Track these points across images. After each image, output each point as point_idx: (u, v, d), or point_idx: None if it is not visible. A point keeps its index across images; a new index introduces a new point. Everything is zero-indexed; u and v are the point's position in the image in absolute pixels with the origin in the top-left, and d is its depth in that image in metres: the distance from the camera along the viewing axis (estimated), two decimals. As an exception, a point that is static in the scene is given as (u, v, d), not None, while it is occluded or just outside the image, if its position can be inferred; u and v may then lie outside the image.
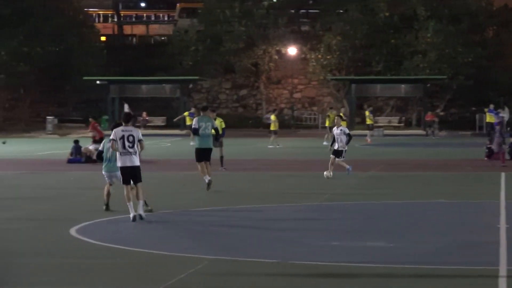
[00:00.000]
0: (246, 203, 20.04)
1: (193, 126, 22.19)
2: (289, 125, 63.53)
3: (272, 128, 46.34)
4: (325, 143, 41.56)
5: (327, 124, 44.69)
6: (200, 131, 21.36)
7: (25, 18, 68.56)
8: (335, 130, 25.97)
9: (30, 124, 69.39)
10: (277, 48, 70.39)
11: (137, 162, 15.92)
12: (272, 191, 23.25)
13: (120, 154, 15.89)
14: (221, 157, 26.96)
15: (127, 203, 16.28)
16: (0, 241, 14.55)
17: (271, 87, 73.13)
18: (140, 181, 16.74)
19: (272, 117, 47.09)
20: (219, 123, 25.82)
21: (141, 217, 16.57)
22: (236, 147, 41.28)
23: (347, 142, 25.46)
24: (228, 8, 69.39)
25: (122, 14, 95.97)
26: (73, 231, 15.53)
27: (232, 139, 42.80)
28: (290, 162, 35.38)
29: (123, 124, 15.64)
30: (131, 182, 16.32)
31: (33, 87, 70.57)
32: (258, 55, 69.62)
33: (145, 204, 16.81)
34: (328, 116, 45.79)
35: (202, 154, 21.78)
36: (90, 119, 39.17)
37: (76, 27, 72.43)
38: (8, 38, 67.49)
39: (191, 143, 33.75)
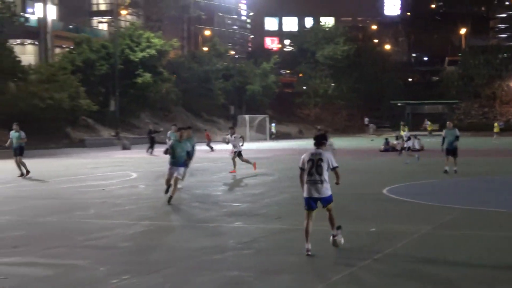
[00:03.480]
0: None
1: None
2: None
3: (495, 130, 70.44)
4: None
5: None
6: None
7: (357, 67, 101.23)
8: None
9: (357, 131, 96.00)
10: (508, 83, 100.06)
11: None
12: None
13: None
14: None
15: None
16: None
17: (503, 106, 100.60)
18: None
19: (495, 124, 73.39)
20: None
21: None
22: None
23: None
24: (478, 60, 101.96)
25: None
26: (385, 191, 20.93)
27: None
28: None
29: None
30: None
31: (361, 108, 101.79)
32: (495, 86, 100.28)
33: None
34: None
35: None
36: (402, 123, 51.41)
37: (386, 71, 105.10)
38: (347, 79, 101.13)
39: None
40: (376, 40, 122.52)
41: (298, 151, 49.37)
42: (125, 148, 57.66)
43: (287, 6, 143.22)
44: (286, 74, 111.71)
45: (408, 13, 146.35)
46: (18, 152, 29.96)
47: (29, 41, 75.86)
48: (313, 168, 11.87)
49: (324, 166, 11.88)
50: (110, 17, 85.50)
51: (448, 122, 29.15)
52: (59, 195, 22.31)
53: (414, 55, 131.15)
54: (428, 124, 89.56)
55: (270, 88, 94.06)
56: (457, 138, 27.89)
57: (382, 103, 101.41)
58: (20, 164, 29.75)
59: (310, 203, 11.94)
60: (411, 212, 17.05)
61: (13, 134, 30.74)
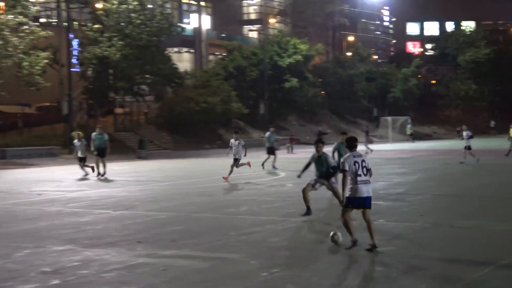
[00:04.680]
0: None
1: None
2: None
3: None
4: None
5: None
6: None
7: (498, 69, 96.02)
8: None
9: (497, 132, 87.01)
10: None
11: None
12: None
13: None
14: None
15: None
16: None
17: None
18: None
19: None
20: None
21: None
22: None
23: None
24: None
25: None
26: None
27: None
28: None
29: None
30: None
31: (502, 109, 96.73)
32: None
33: None
34: None
35: None
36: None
37: None
38: (488, 82, 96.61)
39: None
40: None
41: (438, 151, 48.44)
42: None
43: (428, 11, 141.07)
44: (429, 77, 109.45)
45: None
46: (101, 153, 29.56)
47: (185, 49, 77.91)
48: (360, 169, 11.82)
49: (367, 166, 11.95)
50: (260, 25, 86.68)
51: None
52: (213, 193, 22.84)
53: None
54: None
55: (411, 91, 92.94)
56: None
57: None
58: (99, 165, 29.49)
59: (363, 202, 11.88)
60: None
61: (96, 136, 30.11)
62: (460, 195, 20.70)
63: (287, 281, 9.98)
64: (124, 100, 60.75)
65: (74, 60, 52.94)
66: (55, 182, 28.40)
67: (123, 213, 17.70)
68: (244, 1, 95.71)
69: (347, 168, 11.80)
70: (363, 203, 11.88)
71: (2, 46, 44.79)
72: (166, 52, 61.89)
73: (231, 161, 27.48)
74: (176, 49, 74.38)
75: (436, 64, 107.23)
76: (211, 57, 79.60)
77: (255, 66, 71.10)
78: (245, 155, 27.83)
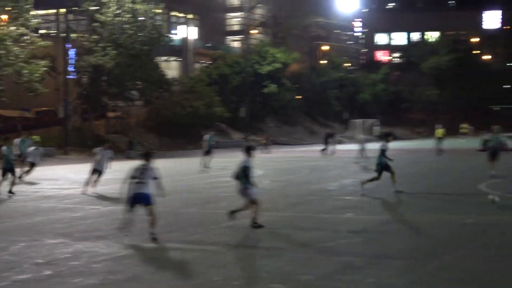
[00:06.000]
0: None
1: None
2: None
3: None
4: None
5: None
6: None
7: (459, 76, 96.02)
8: None
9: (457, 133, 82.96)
10: None
11: None
12: None
13: None
14: None
15: None
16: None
17: None
18: None
19: None
20: None
21: None
22: None
23: None
24: None
25: None
26: (482, 186, 20.44)
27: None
28: None
29: None
30: None
31: (463, 112, 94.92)
32: None
33: None
34: None
35: None
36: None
37: (486, 79, 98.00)
38: (449, 87, 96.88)
39: None
40: (476, 52, 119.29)
41: (404, 150, 48.68)
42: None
43: (396, 23, 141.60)
44: (395, 83, 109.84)
45: (508, 27, 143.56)
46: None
47: (173, 57, 77.62)
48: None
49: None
50: (242, 36, 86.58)
51: (495, 127, 25.15)
52: (197, 190, 22.81)
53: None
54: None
55: (379, 96, 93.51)
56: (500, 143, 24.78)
57: (481, 108, 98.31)
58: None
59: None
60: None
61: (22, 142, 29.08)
62: (424, 191, 20.71)
63: (262, 270, 9.96)
64: (116, 105, 60.52)
65: (70, 68, 52.66)
66: (51, 180, 28.21)
67: (112, 209, 17.61)
68: (228, 14, 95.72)
69: None
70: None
71: (4, 55, 44.61)
72: (155, 60, 61.73)
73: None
74: (165, 58, 74.11)
75: (403, 71, 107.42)
76: (197, 65, 79.40)
77: (238, 73, 71.11)
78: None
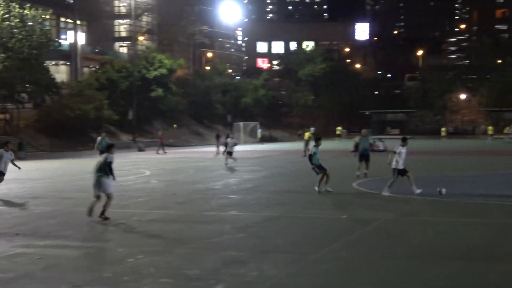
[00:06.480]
0: None
1: None
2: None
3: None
4: None
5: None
6: None
7: (333, 83, 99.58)
8: None
9: (332, 135, 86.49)
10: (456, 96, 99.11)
11: None
12: None
13: None
14: None
15: None
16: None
17: (452, 115, 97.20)
18: None
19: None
20: None
21: None
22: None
23: None
24: (432, 76, 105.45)
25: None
26: (354, 185, 21.19)
27: None
28: None
29: None
30: None
31: (337, 116, 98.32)
32: (446, 98, 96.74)
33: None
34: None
35: None
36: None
37: (357, 86, 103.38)
38: (325, 93, 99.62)
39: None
40: (348, 60, 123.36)
41: (283, 151, 49.53)
42: (140, 150, 57.99)
43: (275, 33, 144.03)
44: (275, 88, 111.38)
45: (375, 38, 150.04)
46: None
47: (62, 62, 75.68)
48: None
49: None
50: (130, 42, 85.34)
51: (363, 130, 26.03)
52: (87, 189, 22.30)
53: (380, 72, 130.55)
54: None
55: (260, 100, 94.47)
56: (370, 145, 25.98)
57: (353, 113, 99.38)
58: None
59: None
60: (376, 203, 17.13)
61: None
62: (302, 191, 21.11)
63: (151, 266, 9.91)
64: (5, 107, 58.32)
65: (-43, 70, 50.31)
66: None
67: (3, 209, 16.99)
68: (116, 21, 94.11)
69: None
70: None
71: None
72: (45, 64, 60.04)
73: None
74: (53, 62, 72.10)
75: (282, 77, 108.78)
76: (85, 70, 77.76)
77: (125, 78, 70.21)
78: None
